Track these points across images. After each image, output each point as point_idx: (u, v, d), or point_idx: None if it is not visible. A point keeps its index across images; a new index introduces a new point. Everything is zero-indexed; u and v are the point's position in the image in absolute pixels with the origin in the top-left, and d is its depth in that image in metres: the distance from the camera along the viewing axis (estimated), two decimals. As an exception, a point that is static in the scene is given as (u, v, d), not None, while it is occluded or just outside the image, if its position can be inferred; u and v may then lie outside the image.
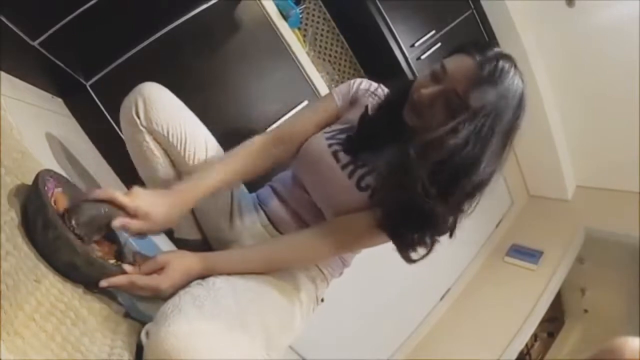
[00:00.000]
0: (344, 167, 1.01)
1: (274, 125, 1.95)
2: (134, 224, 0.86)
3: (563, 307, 3.86)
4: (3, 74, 1.22)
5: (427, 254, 0.93)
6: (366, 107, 1.07)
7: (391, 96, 1.08)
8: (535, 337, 3.58)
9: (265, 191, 1.24)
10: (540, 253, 3.13)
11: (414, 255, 0.93)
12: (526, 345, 3.24)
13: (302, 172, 1.12)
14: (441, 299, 3.18)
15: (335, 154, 1.03)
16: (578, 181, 3.38)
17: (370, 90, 1.14)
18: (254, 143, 1.11)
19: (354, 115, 1.10)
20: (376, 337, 2.83)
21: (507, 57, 0.90)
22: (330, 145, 1.05)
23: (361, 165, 1.00)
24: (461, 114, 0.84)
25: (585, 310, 3.78)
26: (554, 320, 3.77)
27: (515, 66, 0.90)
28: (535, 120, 2.88)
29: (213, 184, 1.01)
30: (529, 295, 2.92)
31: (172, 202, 0.94)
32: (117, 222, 0.84)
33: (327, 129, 1.12)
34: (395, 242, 0.94)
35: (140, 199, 0.89)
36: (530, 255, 3.16)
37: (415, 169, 0.84)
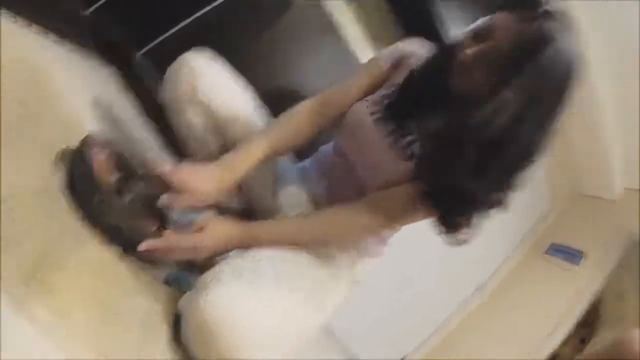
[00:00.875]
0: (387, 135, 0.97)
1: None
2: (182, 199, 0.86)
3: (599, 312, 3.74)
4: (55, 42, 1.24)
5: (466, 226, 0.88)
6: (411, 70, 1.02)
7: (435, 59, 1.01)
8: (566, 341, 3.48)
9: (308, 163, 1.24)
10: (581, 254, 3.02)
11: (457, 235, 0.90)
12: (557, 348, 3.16)
13: (345, 142, 1.10)
14: (475, 292, 3.12)
15: (377, 122, 1.00)
16: (626, 183, 3.20)
17: (418, 53, 1.08)
18: (301, 111, 1.09)
19: (400, 79, 1.05)
20: (404, 327, 2.80)
21: (556, 17, 0.82)
22: (372, 113, 1.01)
23: (405, 134, 0.96)
24: (508, 78, 0.79)
25: (623, 318, 3.65)
26: (588, 326, 3.66)
27: (567, 27, 0.82)
28: (586, 114, 2.73)
29: (261, 155, 1.00)
30: (565, 297, 2.84)
31: (220, 176, 0.94)
32: (164, 199, 0.84)
33: (370, 96, 1.08)
34: (436, 215, 0.90)
35: (188, 174, 0.89)
36: (571, 255, 3.04)
37: (465, 141, 0.80)
